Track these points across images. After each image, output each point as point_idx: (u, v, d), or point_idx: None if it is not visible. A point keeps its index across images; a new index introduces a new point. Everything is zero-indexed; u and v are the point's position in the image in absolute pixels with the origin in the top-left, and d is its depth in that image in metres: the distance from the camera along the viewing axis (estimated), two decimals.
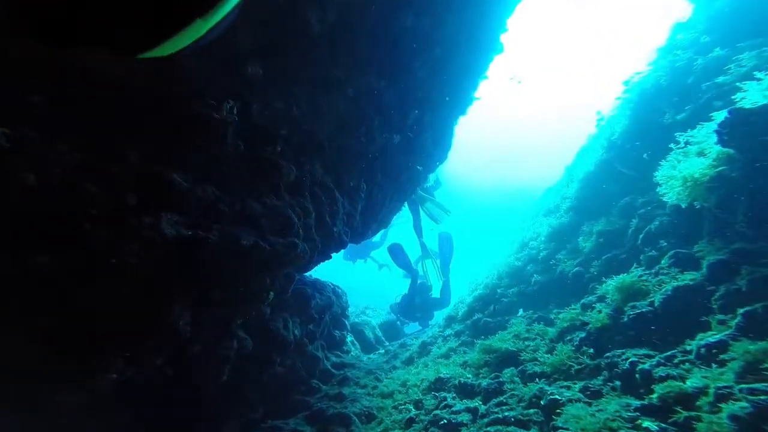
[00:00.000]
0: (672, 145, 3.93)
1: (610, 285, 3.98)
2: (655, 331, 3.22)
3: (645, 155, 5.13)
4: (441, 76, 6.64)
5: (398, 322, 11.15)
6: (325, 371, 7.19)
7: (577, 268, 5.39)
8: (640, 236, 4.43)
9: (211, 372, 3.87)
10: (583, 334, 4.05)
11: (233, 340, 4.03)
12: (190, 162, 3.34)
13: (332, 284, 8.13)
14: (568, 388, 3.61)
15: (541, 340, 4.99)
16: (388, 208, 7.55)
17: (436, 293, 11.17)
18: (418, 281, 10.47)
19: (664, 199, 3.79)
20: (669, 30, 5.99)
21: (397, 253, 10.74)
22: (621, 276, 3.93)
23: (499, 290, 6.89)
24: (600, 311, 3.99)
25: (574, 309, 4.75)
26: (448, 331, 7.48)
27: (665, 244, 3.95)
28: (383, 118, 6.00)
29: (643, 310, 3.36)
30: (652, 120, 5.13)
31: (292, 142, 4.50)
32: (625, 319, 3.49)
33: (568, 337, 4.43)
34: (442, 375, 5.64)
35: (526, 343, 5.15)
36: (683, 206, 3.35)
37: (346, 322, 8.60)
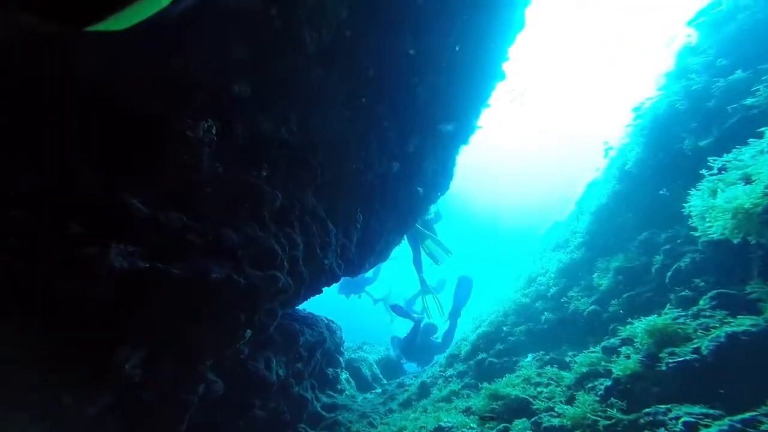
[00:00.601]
0: (704, 171, 3.45)
1: (639, 327, 3.39)
2: (706, 384, 2.61)
3: (663, 190, 4.66)
4: (442, 103, 6.32)
5: (397, 359, 10.35)
6: (314, 414, 6.42)
7: (592, 307, 4.78)
8: (668, 274, 3.87)
9: (168, 420, 3.22)
10: (608, 383, 3.41)
11: (199, 384, 3.40)
12: (157, 186, 2.87)
13: (326, 319, 7.48)
14: None
15: (556, 387, 4.32)
16: (386, 240, 7.03)
17: (438, 332, 10.53)
18: (424, 322, 9.86)
19: (699, 233, 3.27)
20: (675, 55, 5.67)
21: (398, 311, 11.17)
22: (651, 318, 3.34)
23: (505, 328, 6.24)
24: (628, 356, 3.37)
25: (593, 352, 4.12)
26: (450, 371, 6.74)
27: (702, 283, 3.40)
28: (382, 143, 5.61)
29: (687, 358, 2.76)
30: (669, 147, 4.70)
31: (281, 167, 4.06)
32: (663, 367, 2.88)
33: (590, 385, 3.78)
34: (443, 424, 4.90)
35: (539, 389, 4.47)
36: (735, 241, 2.83)
37: (341, 359, 7.86)
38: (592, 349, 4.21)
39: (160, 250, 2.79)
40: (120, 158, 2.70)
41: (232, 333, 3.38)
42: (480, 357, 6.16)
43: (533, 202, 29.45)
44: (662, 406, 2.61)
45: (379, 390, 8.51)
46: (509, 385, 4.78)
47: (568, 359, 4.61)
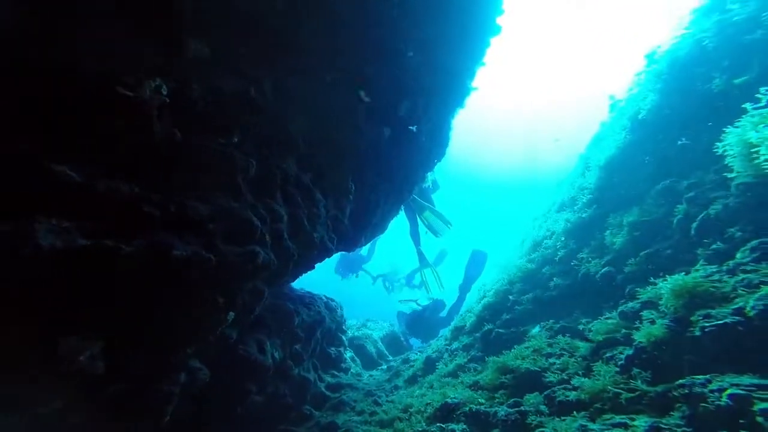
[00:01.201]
0: (748, 105, 2.92)
1: (663, 288, 2.95)
2: (753, 351, 2.18)
3: (682, 140, 4.12)
4: (434, 62, 5.71)
5: (402, 335, 10.09)
6: (319, 395, 6.14)
7: (606, 269, 4.33)
8: (694, 225, 3.39)
9: (147, 413, 2.88)
10: (630, 351, 3.01)
11: (179, 373, 3.03)
12: (103, 156, 2.40)
13: (325, 297, 7.12)
14: (625, 427, 2.55)
15: (569, 357, 3.93)
16: (383, 211, 6.57)
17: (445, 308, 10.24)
18: (427, 300, 9.49)
19: (735, 174, 2.78)
20: None
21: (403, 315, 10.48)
22: (678, 276, 2.89)
23: (511, 297, 5.84)
24: (653, 321, 2.94)
25: (610, 318, 3.71)
26: (456, 345, 6.41)
27: (738, 233, 2.92)
28: (370, 108, 5.06)
29: (728, 320, 2.32)
30: (692, 90, 4.13)
31: (254, 133, 3.56)
32: (697, 332, 2.45)
33: (608, 354, 3.38)
34: (449, 400, 4.57)
35: (551, 360, 4.09)
36: None
37: (343, 338, 7.56)
38: (608, 315, 3.79)
39: (111, 226, 2.34)
40: (52, 125, 2.22)
41: (210, 316, 2.98)
42: (486, 328, 5.79)
43: (536, 161, 28.58)
44: (700, 377, 2.19)
45: (384, 367, 8.26)
46: (518, 357, 4.40)
47: (581, 327, 4.20)
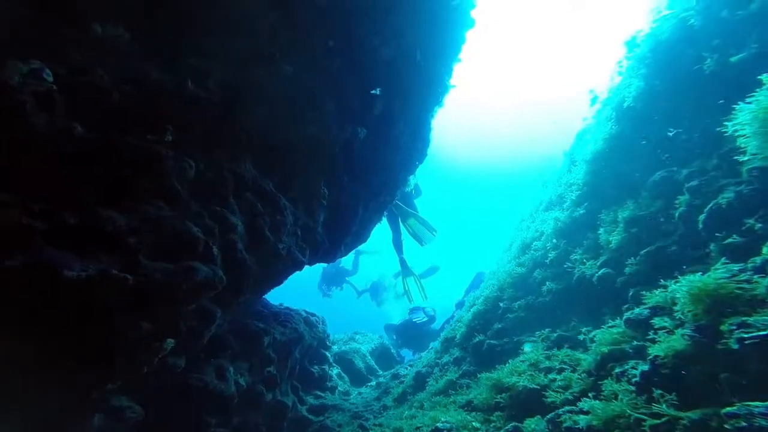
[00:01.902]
0: (765, 77, 2.46)
1: (679, 290, 2.43)
2: None
3: (671, 131, 3.69)
4: (408, 58, 5.24)
5: (392, 348, 9.43)
6: (300, 419, 5.47)
7: (603, 270, 3.82)
8: (701, 217, 2.90)
9: None
10: (645, 367, 2.46)
11: (91, 416, 2.39)
12: None
13: (304, 312, 6.48)
14: None
15: (572, 372, 3.37)
16: (362, 218, 6.01)
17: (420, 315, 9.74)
18: (414, 308, 8.88)
19: (748, 156, 2.32)
20: None
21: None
22: (693, 277, 2.39)
23: (501, 304, 5.29)
24: (670, 331, 2.42)
25: (614, 326, 3.17)
26: (446, 358, 5.81)
27: (758, 224, 2.44)
28: (341, 105, 4.54)
29: None
30: (681, 72, 3.71)
31: (201, 131, 3.00)
32: (734, 344, 1.92)
33: (617, 370, 2.84)
34: (440, 424, 3.96)
35: (550, 376, 3.52)
36: None
37: (327, 354, 6.91)
38: (611, 323, 3.25)
39: None
40: None
41: (134, 346, 2.36)
42: (477, 339, 5.21)
43: (520, 160, 28.10)
44: (757, 404, 1.65)
45: (374, 383, 7.59)
46: (514, 373, 3.83)
47: (581, 337, 3.67)
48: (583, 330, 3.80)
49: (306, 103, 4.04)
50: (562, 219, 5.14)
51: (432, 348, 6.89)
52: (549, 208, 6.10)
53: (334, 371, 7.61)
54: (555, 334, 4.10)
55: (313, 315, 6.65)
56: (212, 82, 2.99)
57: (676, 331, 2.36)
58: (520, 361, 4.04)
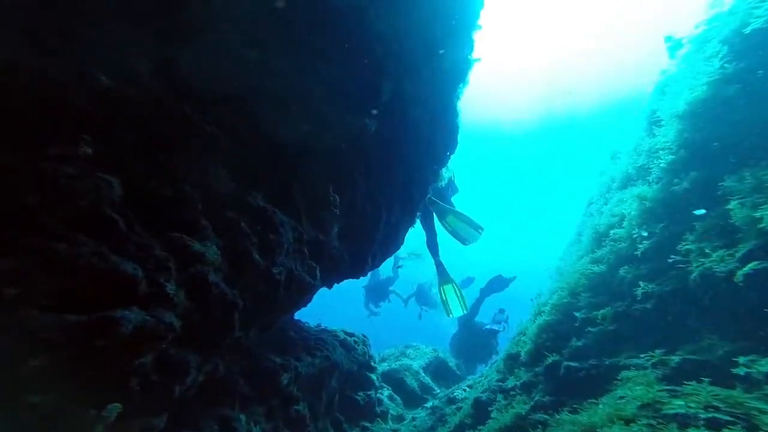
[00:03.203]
0: None
1: None
2: None
3: None
4: (413, 30, 4.16)
5: (449, 362, 8.21)
6: None
7: (754, 265, 2.38)
8: None
9: None
10: None
11: None
12: None
13: (342, 333, 5.60)
14: None
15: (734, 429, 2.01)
16: (390, 223, 5.00)
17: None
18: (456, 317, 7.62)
19: None
20: None
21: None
22: None
23: (577, 314, 3.92)
24: None
25: None
26: (511, 382, 4.53)
27: None
28: (334, 91, 3.59)
29: None
30: None
31: (139, 135, 2.23)
32: None
33: None
34: None
35: None
36: None
37: (373, 377, 5.94)
38: None
39: None
40: None
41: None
42: (550, 360, 3.90)
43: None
44: None
45: (429, 405, 6.47)
46: (617, 418, 2.52)
47: (741, 370, 2.26)
48: (724, 349, 2.39)
49: (289, 93, 3.16)
50: (650, 196, 3.66)
51: (494, 366, 5.61)
52: (626, 184, 4.55)
53: (385, 393, 6.63)
54: (677, 358, 2.69)
55: (351, 335, 5.75)
56: (146, 69, 2.20)
57: None
58: (624, 398, 2.70)
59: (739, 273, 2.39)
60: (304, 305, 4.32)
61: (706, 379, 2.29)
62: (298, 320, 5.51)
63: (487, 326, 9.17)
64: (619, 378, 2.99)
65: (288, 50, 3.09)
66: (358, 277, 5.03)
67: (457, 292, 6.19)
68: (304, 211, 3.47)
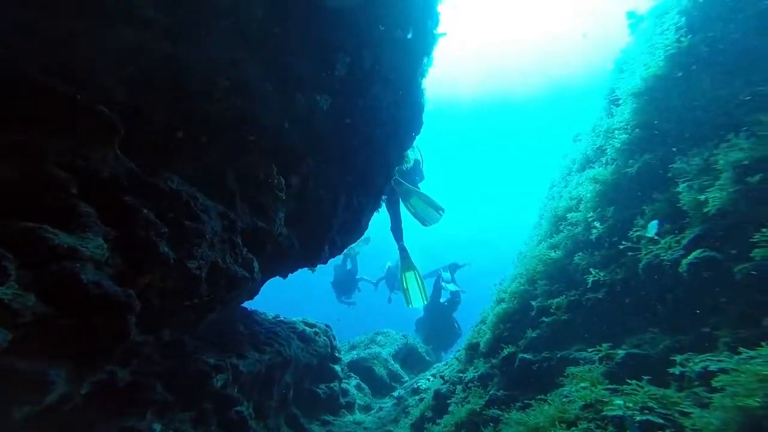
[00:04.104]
0: None
1: None
2: None
3: None
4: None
5: (419, 348, 8.03)
6: None
7: (699, 253, 2.15)
8: None
9: None
10: None
11: None
12: None
13: (301, 324, 5.28)
14: None
15: None
16: (351, 207, 4.64)
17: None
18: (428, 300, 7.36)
19: None
20: None
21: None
22: None
23: (534, 303, 3.70)
24: None
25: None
26: (471, 373, 4.32)
27: None
28: (272, 65, 3.16)
29: None
30: None
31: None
32: None
33: None
34: None
35: None
36: None
37: (337, 369, 5.67)
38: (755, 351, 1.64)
39: None
40: None
41: None
42: (506, 352, 3.69)
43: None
44: None
45: (396, 394, 6.27)
46: (559, 421, 2.30)
47: (677, 370, 2.04)
48: (665, 343, 2.17)
49: (213, 65, 2.71)
50: (603, 178, 3.43)
51: (455, 356, 5.42)
52: (586, 167, 4.32)
53: (352, 383, 6.38)
54: (621, 352, 2.48)
55: (312, 326, 5.44)
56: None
57: None
58: (568, 397, 2.48)
59: (684, 262, 2.15)
60: (249, 298, 3.96)
61: (645, 377, 2.07)
62: (254, 312, 5.14)
63: (445, 301, 9.06)
64: (567, 372, 2.77)
65: (212, 18, 2.63)
66: (315, 266, 4.68)
67: (419, 280, 5.93)
68: (240, 195, 3.07)
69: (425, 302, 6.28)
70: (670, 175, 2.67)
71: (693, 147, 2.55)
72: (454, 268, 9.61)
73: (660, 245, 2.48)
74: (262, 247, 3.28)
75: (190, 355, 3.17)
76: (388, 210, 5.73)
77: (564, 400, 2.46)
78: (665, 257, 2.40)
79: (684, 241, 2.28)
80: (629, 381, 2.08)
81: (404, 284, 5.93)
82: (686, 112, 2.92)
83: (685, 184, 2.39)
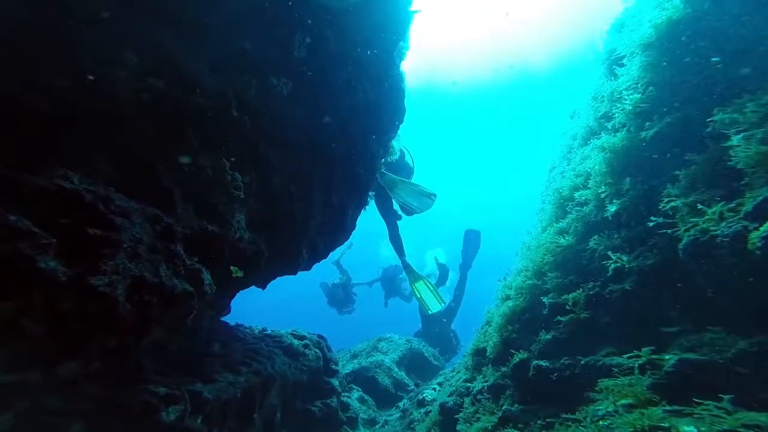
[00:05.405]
0: None
1: None
2: None
3: None
4: None
5: (424, 352, 7.30)
6: None
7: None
8: None
9: None
10: None
11: None
12: None
13: (289, 337, 4.64)
14: None
15: None
16: (331, 207, 4.02)
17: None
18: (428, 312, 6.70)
19: None
20: None
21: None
22: None
23: (545, 299, 3.00)
24: None
25: None
26: (479, 383, 3.62)
27: None
28: (214, 45, 2.60)
29: None
30: None
31: None
32: None
33: None
34: None
35: None
36: None
37: (334, 383, 4.99)
38: None
39: None
40: None
41: None
42: (518, 359, 2.98)
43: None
44: None
45: (401, 405, 5.57)
46: None
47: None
48: (718, 339, 1.46)
49: (127, 44, 2.13)
50: (610, 145, 2.74)
51: (461, 362, 4.70)
52: (588, 140, 3.62)
53: (354, 395, 5.70)
54: (671, 358, 1.78)
55: (302, 338, 4.79)
56: None
57: None
58: (609, 422, 1.78)
59: (753, 236, 1.46)
60: (218, 313, 3.35)
61: (727, 396, 1.38)
62: (238, 327, 4.53)
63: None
64: (597, 385, 2.07)
65: None
66: (295, 273, 4.05)
67: (429, 286, 5.33)
68: (181, 195, 2.47)
69: (443, 305, 5.88)
70: (709, 130, 1.98)
71: (729, 99, 1.87)
72: (443, 273, 9.38)
73: (707, 216, 1.78)
74: (216, 255, 2.67)
75: (134, 386, 2.55)
76: (380, 211, 5.09)
77: (601, 425, 1.77)
78: (717, 231, 1.71)
79: (745, 209, 1.59)
80: (698, 400, 1.39)
81: (417, 294, 5.43)
82: (717, 54, 2.23)
83: (739, 136, 1.70)
